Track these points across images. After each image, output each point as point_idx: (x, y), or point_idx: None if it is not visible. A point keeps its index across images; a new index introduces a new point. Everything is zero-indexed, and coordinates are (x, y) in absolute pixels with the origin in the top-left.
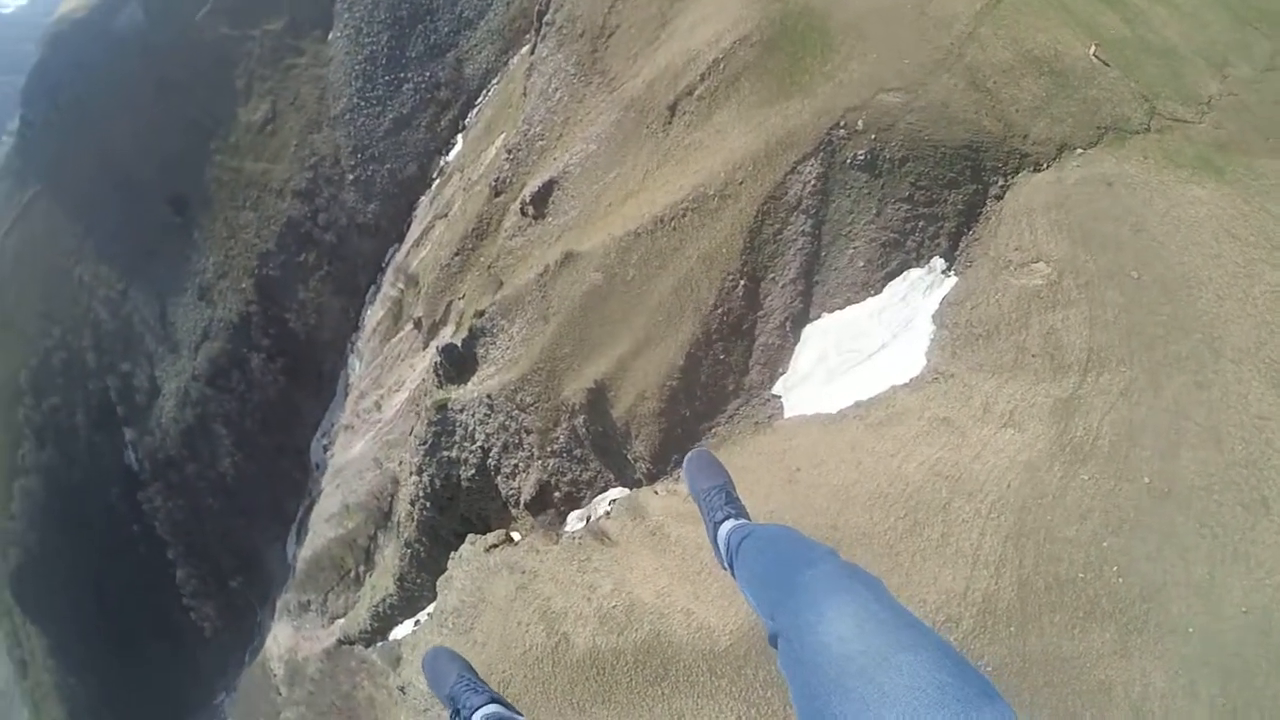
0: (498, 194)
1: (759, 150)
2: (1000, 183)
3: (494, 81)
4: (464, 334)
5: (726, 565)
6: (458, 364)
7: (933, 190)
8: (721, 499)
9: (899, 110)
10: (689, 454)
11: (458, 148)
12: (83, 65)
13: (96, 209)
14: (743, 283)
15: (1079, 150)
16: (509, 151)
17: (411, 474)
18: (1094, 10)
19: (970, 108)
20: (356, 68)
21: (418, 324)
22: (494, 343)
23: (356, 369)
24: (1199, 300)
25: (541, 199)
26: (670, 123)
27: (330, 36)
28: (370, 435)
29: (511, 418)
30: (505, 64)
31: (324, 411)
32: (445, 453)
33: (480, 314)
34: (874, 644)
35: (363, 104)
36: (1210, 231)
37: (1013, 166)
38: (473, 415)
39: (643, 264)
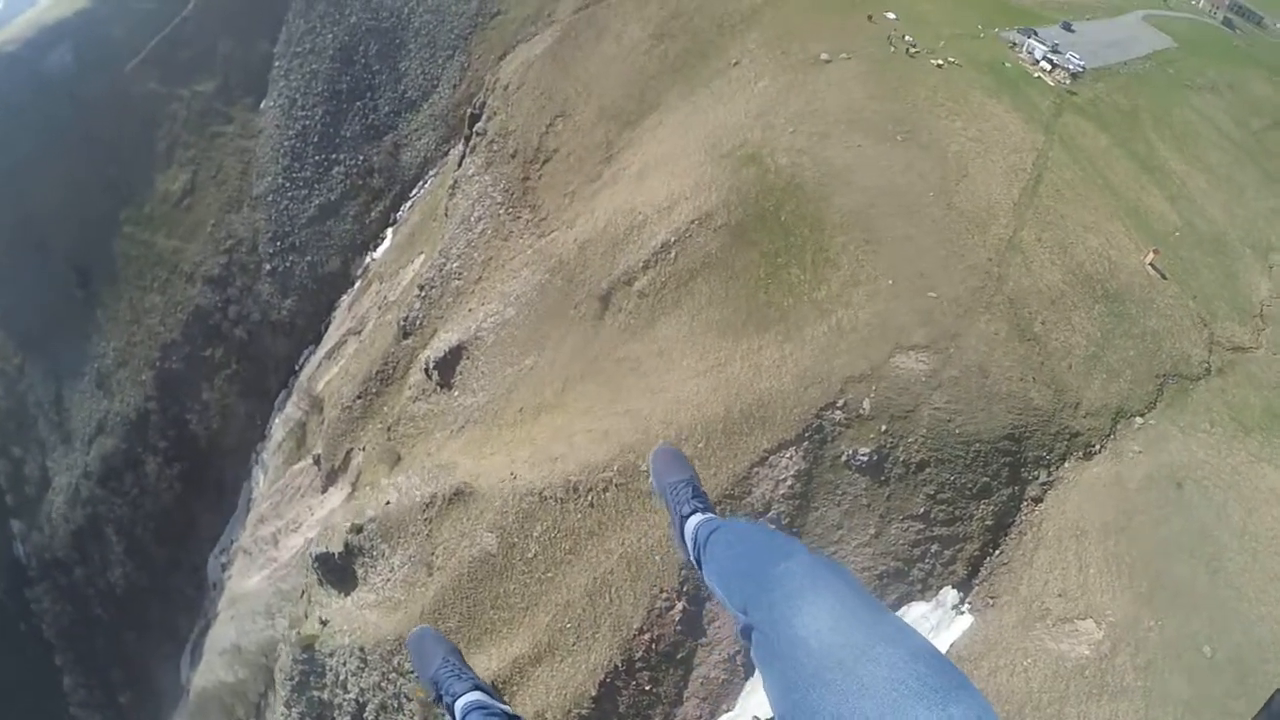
0: (406, 335)
1: (715, 416)
2: (1042, 478)
3: (431, 173)
4: (339, 547)
5: (693, 559)
6: (335, 573)
7: (957, 504)
8: (688, 493)
9: (923, 384)
10: (655, 449)
11: (386, 243)
12: (9, 104)
13: (3, 268)
14: (681, 605)
15: (1138, 419)
16: (421, 288)
17: (280, 705)
18: (1138, 188)
19: (1015, 370)
20: (286, 143)
21: (317, 461)
22: (374, 566)
23: (260, 483)
24: (1276, 680)
25: (448, 366)
26: (602, 317)
27: (263, 105)
28: (266, 572)
29: (389, 679)
30: (445, 154)
31: (223, 524)
32: (315, 692)
33: (358, 530)
34: (852, 637)
35: (288, 185)
36: None
37: (1059, 453)
38: (343, 663)
39: (549, 541)
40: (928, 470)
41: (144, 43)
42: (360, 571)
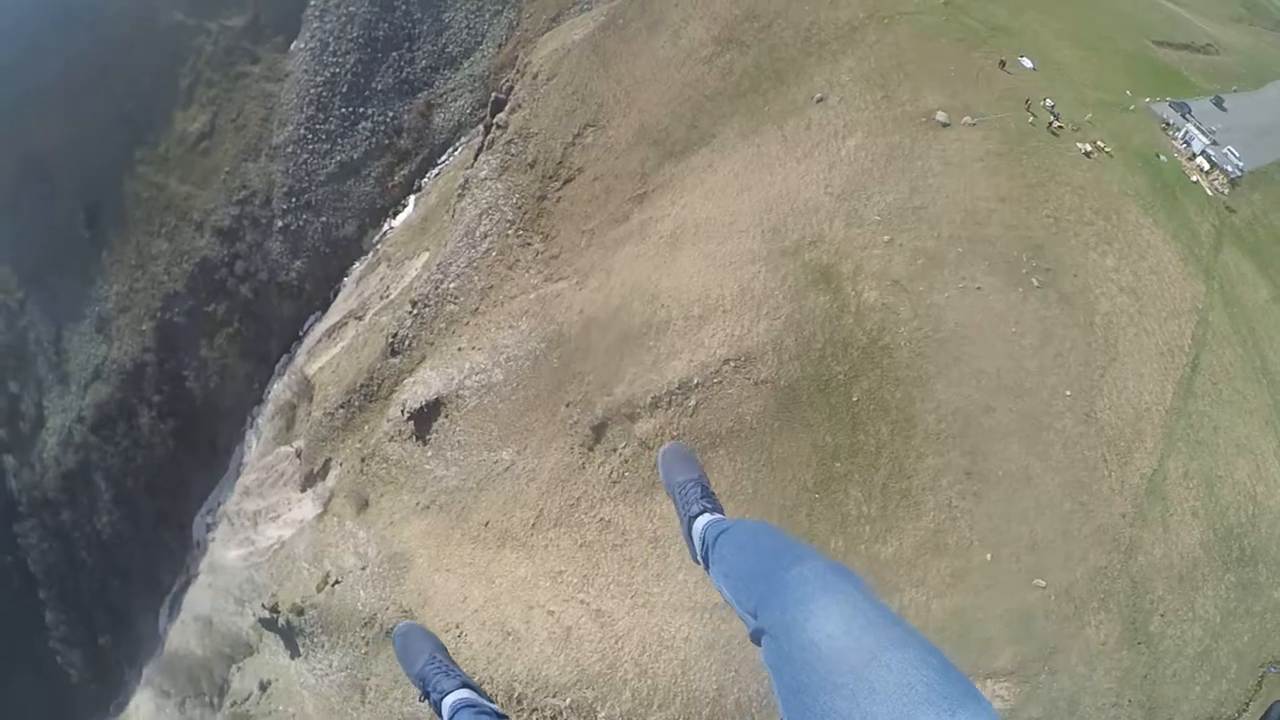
0: (395, 353)
1: (704, 695)
2: None
3: (462, 140)
4: (284, 621)
5: (700, 559)
6: (279, 634)
7: None
8: (697, 493)
9: None
10: (663, 447)
11: (406, 211)
12: (21, 30)
13: (8, 198)
14: None
15: None
16: (414, 304)
17: None
18: None
19: (1111, 693)
20: (313, 91)
21: (299, 455)
22: (314, 651)
23: (254, 448)
24: None
25: (426, 419)
26: (593, 448)
27: (293, 46)
28: (244, 552)
29: None
30: (479, 120)
31: (212, 485)
32: None
33: (300, 612)
34: (863, 641)
35: (310, 136)
36: None
37: None
38: None
39: None
40: None
41: None
42: (303, 649)
